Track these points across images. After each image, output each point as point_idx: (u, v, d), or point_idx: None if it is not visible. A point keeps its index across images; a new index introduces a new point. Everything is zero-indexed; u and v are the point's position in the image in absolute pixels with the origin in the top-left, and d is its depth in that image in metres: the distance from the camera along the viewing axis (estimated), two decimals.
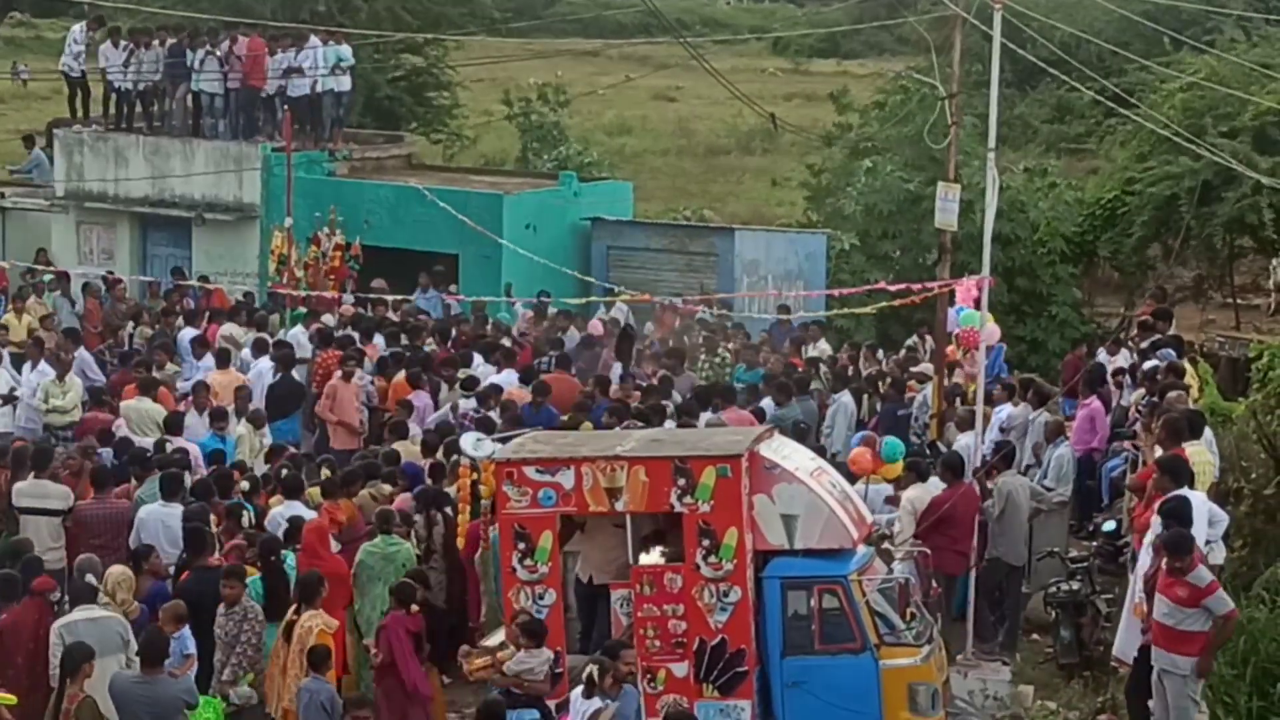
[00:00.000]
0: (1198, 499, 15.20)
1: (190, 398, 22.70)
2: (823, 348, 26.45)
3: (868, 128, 37.73)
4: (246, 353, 24.90)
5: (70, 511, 18.25)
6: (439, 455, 19.30)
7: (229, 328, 26.16)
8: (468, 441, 16.87)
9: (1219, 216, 32.67)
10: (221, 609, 15.71)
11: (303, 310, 27.55)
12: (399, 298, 27.59)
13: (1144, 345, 23.19)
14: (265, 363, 24.15)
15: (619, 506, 15.37)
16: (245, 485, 18.91)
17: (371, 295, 27.82)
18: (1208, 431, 17.70)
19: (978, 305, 19.66)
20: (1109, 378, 23.18)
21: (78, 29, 33.64)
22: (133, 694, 13.90)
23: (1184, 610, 14.02)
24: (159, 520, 17.63)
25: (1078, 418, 22.23)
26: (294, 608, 15.53)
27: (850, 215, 34.20)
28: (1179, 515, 14.58)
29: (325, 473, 18.95)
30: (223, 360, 24.08)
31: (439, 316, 27.74)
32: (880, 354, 27.15)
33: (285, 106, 30.75)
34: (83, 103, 33.70)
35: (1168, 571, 14.10)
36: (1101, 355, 24.92)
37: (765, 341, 26.70)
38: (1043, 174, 36.39)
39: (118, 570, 15.95)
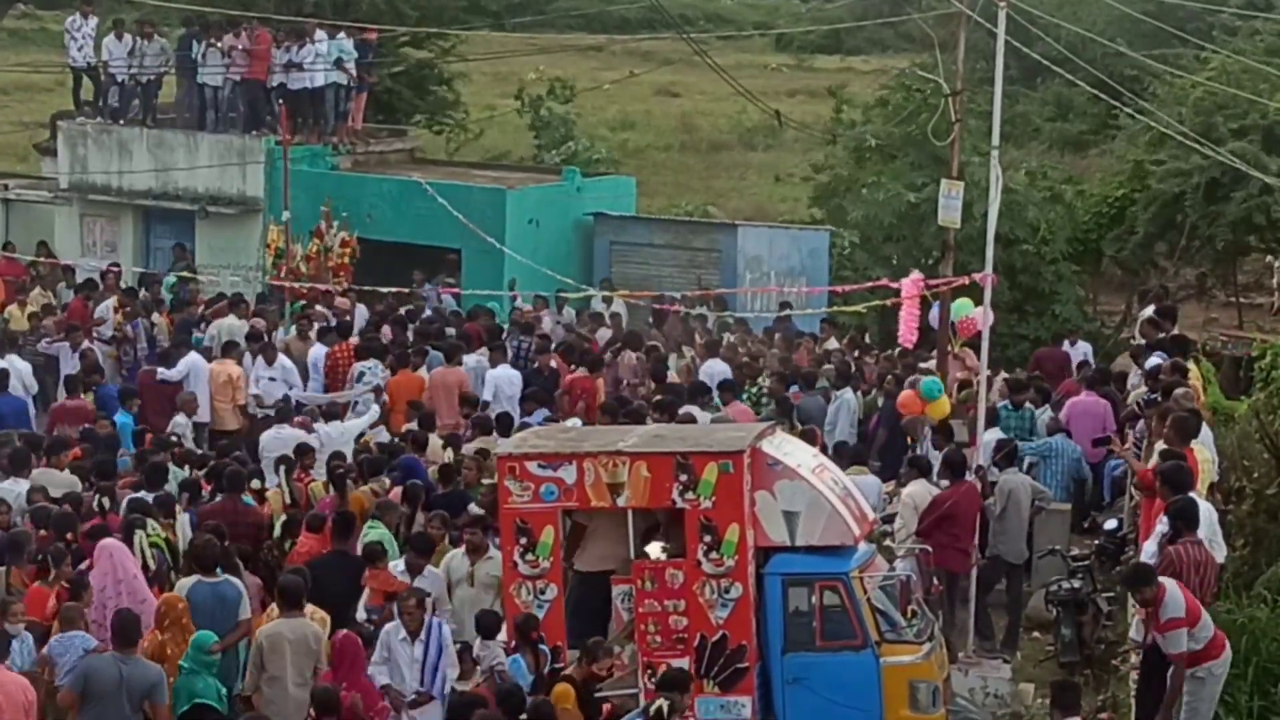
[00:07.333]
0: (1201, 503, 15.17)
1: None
2: (831, 346, 26.40)
3: (872, 124, 37.62)
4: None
5: None
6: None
7: (227, 321, 26.19)
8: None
9: (1226, 216, 32.63)
10: None
11: (301, 303, 27.50)
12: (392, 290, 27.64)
13: (1144, 343, 23.19)
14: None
15: (621, 502, 15.37)
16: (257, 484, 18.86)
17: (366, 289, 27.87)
18: (1205, 430, 17.68)
19: (924, 303, 19.73)
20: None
21: (70, 20, 33.56)
22: (113, 673, 13.86)
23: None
24: None
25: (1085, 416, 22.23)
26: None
27: (851, 220, 34.15)
28: (1186, 515, 14.55)
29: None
30: (228, 351, 24.19)
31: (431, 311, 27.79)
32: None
33: (280, 100, 30.72)
34: (91, 95, 33.59)
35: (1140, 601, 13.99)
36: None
37: (771, 339, 26.67)
38: (1043, 176, 36.27)
39: None
